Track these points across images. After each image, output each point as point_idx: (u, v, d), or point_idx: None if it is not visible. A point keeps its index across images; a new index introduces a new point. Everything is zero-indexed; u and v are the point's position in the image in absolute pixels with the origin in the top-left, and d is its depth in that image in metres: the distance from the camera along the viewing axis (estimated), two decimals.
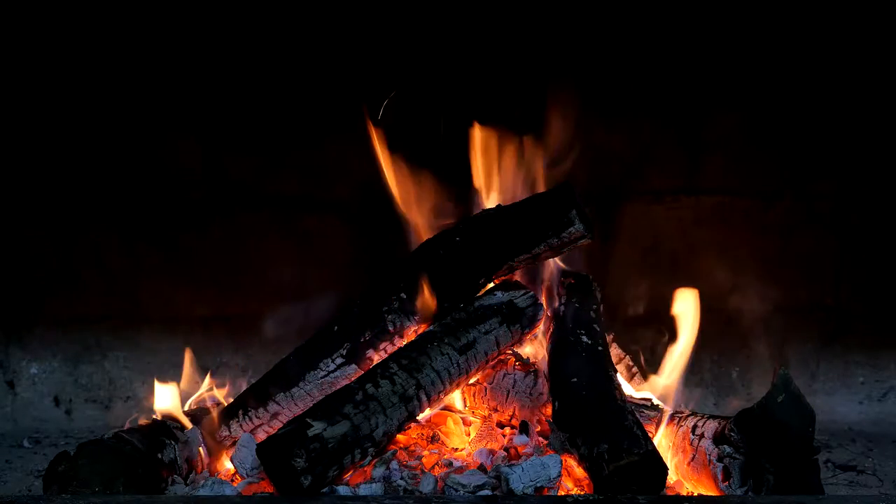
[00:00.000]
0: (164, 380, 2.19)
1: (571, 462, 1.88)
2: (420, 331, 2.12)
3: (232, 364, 2.97)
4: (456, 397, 2.21)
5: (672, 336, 2.24)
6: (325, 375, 2.11)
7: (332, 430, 1.79)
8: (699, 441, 1.91)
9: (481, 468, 1.90)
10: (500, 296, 2.14)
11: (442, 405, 2.15)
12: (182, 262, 2.96)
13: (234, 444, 2.07)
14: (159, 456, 1.91)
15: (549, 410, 2.06)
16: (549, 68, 2.82)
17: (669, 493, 1.89)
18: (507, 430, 2.15)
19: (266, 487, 1.88)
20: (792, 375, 1.80)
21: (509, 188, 2.38)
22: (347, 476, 1.85)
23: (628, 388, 2.25)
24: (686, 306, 2.23)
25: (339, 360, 2.11)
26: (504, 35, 2.83)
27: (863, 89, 2.91)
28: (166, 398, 2.13)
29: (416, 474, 1.89)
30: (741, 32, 2.87)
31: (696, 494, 1.88)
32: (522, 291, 2.17)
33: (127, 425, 2.03)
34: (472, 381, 2.16)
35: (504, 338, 2.11)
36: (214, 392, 2.28)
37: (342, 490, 1.80)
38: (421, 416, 2.04)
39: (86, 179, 2.93)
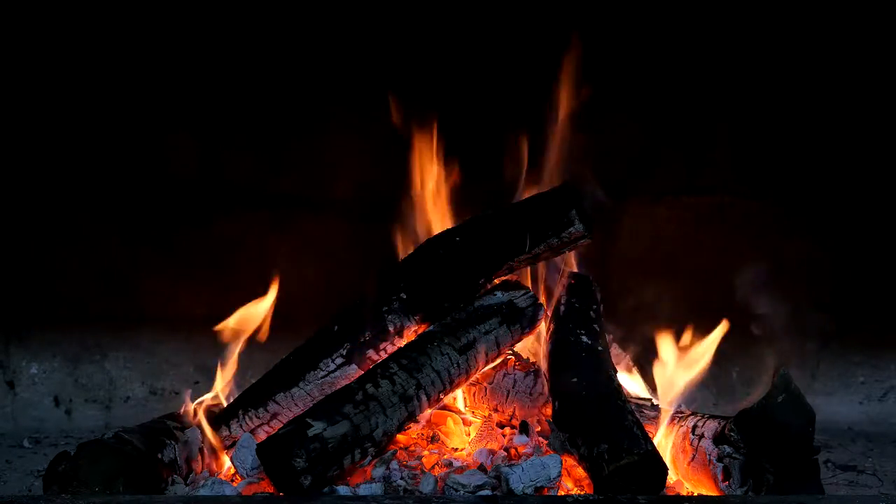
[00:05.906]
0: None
1: (571, 462, 1.88)
2: (420, 331, 2.12)
3: None
4: (456, 397, 2.21)
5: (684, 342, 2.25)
6: (325, 375, 2.11)
7: (332, 430, 1.79)
8: (699, 441, 1.91)
9: (481, 468, 1.90)
10: (500, 296, 2.14)
11: (442, 405, 2.15)
12: (182, 262, 2.96)
13: (234, 444, 2.07)
14: (159, 456, 1.91)
15: (549, 410, 2.06)
16: (551, 68, 2.82)
17: (669, 493, 1.89)
18: (507, 430, 2.14)
19: (266, 487, 1.87)
20: (792, 375, 1.80)
21: (511, 188, 2.37)
22: (347, 476, 1.85)
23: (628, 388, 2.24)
24: (715, 334, 2.22)
25: (339, 360, 2.11)
26: (506, 34, 2.83)
27: (863, 91, 2.91)
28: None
29: (416, 474, 1.89)
30: (742, 36, 2.87)
31: (696, 494, 1.89)
32: (522, 291, 2.16)
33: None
34: (471, 380, 2.16)
35: (504, 338, 2.11)
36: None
37: (342, 490, 1.80)
38: (421, 416, 2.04)
39: (85, 179, 2.93)
